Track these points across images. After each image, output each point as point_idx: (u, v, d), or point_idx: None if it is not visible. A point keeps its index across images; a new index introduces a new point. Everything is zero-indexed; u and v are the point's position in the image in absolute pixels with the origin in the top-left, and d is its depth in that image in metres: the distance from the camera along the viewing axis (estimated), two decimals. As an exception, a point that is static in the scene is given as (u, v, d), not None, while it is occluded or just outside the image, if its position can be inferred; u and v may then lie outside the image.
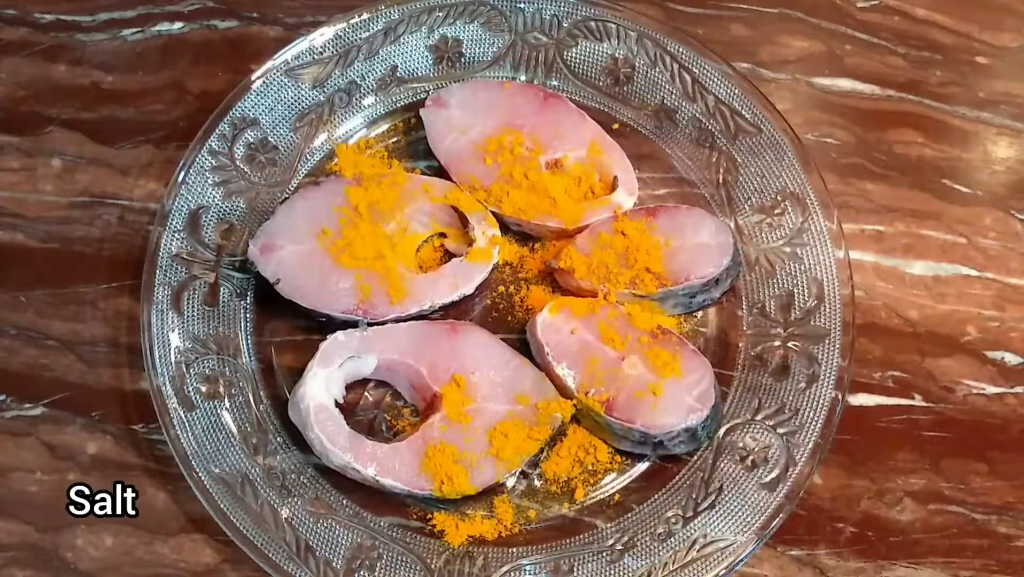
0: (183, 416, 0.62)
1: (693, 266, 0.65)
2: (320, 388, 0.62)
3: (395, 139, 0.74)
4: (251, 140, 0.69)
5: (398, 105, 0.74)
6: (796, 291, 0.67)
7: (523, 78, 0.74)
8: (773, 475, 0.62)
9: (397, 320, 0.66)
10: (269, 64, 0.70)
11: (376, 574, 0.60)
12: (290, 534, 0.60)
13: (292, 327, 0.67)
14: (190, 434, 0.61)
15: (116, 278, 0.70)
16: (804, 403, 0.64)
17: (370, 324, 0.65)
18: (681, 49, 0.72)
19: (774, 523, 0.60)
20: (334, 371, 0.63)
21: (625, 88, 0.74)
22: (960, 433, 0.67)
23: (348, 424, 0.62)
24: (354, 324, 0.65)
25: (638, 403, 0.62)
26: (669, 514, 0.62)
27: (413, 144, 0.73)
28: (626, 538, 0.62)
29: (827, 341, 0.65)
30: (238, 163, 0.69)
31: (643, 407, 0.62)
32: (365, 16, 0.72)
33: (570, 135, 0.70)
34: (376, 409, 0.66)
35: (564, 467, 0.64)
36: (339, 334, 0.64)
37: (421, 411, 0.65)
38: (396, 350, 0.64)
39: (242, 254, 0.67)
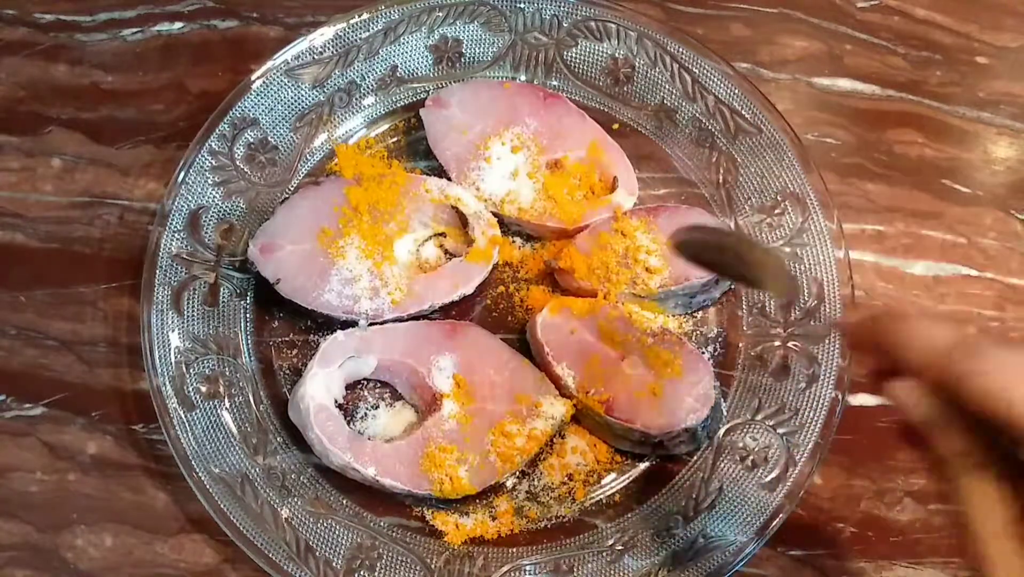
0: (183, 416, 0.62)
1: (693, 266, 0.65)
2: (320, 388, 0.62)
3: (395, 139, 0.73)
4: (251, 140, 0.69)
5: (398, 105, 0.74)
6: (796, 291, 0.67)
7: (523, 78, 0.74)
8: (773, 475, 0.62)
9: (397, 320, 0.66)
10: (269, 64, 0.70)
11: (376, 574, 0.60)
12: (290, 534, 0.60)
13: (292, 327, 0.67)
14: (190, 434, 0.61)
15: (116, 278, 0.70)
16: (804, 403, 0.64)
17: (370, 324, 0.65)
18: (681, 49, 0.72)
19: (774, 523, 0.60)
20: (334, 371, 0.63)
21: (625, 88, 0.73)
22: (960, 433, 0.67)
23: (348, 424, 0.62)
24: (354, 324, 0.65)
25: (638, 403, 0.62)
26: (669, 514, 0.62)
27: (413, 144, 0.73)
28: (626, 538, 0.62)
29: (827, 341, 0.65)
30: (238, 163, 0.69)
31: (643, 407, 0.62)
32: (365, 16, 0.72)
33: (570, 135, 0.70)
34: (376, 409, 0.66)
35: (564, 467, 0.64)
36: (339, 334, 0.64)
37: (421, 411, 0.65)
38: (396, 350, 0.64)
39: (242, 254, 0.67)
